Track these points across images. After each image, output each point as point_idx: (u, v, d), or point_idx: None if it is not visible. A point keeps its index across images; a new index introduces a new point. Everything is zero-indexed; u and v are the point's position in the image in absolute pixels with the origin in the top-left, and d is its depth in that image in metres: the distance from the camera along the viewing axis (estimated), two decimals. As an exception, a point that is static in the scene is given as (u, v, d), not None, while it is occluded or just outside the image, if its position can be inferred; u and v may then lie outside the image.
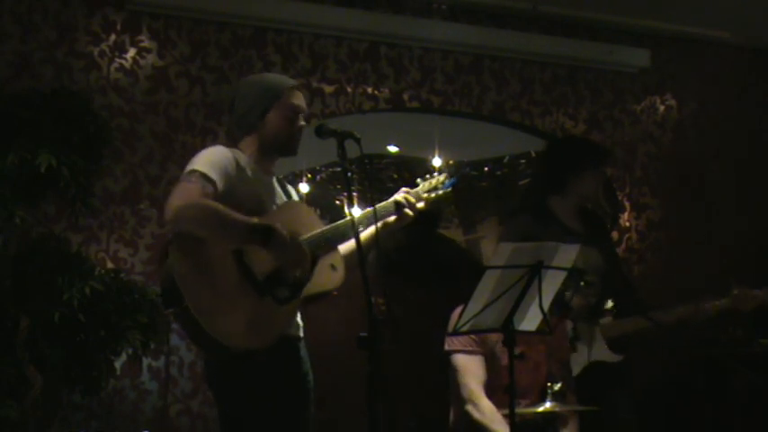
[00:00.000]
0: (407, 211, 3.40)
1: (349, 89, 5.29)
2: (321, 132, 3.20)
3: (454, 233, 7.99)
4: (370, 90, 5.34)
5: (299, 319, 3.33)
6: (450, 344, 3.89)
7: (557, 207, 4.29)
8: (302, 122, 3.35)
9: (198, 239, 3.06)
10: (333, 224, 3.33)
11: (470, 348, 3.84)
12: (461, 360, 3.85)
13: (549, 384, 3.52)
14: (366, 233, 3.36)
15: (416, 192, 3.46)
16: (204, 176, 3.10)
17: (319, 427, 5.16)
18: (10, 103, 4.20)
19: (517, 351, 3.42)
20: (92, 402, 4.47)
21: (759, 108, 6.35)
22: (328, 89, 5.24)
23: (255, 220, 3.07)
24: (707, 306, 4.24)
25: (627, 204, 5.98)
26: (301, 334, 3.34)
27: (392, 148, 7.70)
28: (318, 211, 8.12)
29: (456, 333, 3.43)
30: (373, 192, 7.39)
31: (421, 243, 5.58)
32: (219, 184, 3.12)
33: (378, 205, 3.34)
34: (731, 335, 5.52)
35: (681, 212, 6.10)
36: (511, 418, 3.33)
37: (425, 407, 4.90)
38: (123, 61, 4.79)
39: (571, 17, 5.75)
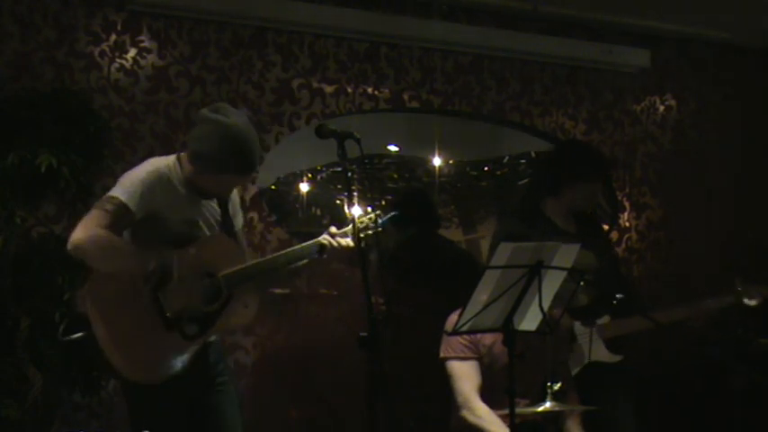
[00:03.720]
0: (332, 252, 3.38)
1: (349, 89, 5.29)
2: (321, 132, 3.21)
3: (454, 233, 7.98)
4: (370, 90, 5.34)
5: None
6: (444, 351, 3.92)
7: (549, 208, 4.30)
8: (231, 193, 3.40)
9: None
10: (254, 261, 3.40)
11: (463, 354, 3.88)
12: (455, 367, 3.89)
13: (548, 384, 3.53)
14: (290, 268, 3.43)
15: (345, 231, 3.44)
16: (120, 205, 3.15)
17: (320, 427, 5.16)
18: (10, 103, 4.20)
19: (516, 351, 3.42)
20: (92, 402, 4.47)
21: (759, 108, 6.35)
22: (328, 89, 5.24)
23: (152, 263, 3.11)
24: (708, 305, 4.24)
25: (627, 204, 5.99)
26: (212, 338, 3.37)
27: (392, 148, 7.70)
28: (318, 211, 8.13)
29: (455, 333, 3.43)
30: (373, 192, 7.40)
31: (422, 243, 5.57)
32: (138, 211, 3.17)
33: (303, 245, 3.38)
34: (731, 334, 5.51)
35: (681, 212, 6.11)
36: (511, 419, 3.34)
37: (425, 407, 4.90)
38: (123, 61, 4.79)
39: (571, 17, 5.75)
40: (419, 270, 5.41)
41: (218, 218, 3.40)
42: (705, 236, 6.10)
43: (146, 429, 3.18)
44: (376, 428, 2.82)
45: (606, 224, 5.89)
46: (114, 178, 4.65)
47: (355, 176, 6.69)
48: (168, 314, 3.15)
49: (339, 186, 7.94)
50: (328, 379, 5.06)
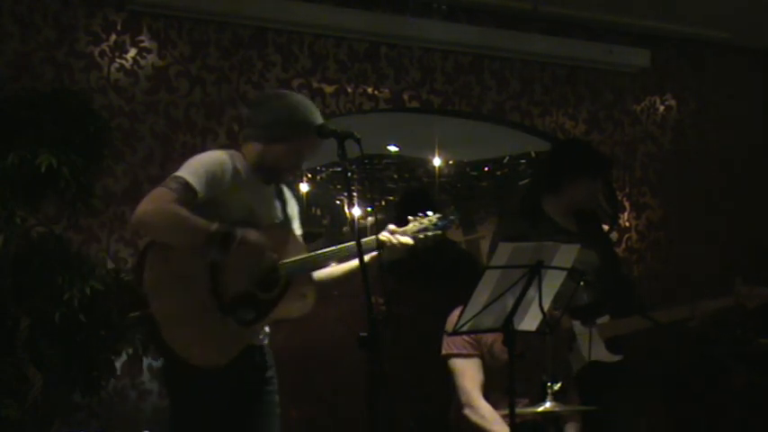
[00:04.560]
0: (390, 250, 3.36)
1: (349, 89, 5.29)
2: (321, 132, 3.21)
3: (454, 234, 7.98)
4: (370, 90, 5.34)
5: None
6: (446, 348, 3.91)
7: (550, 207, 4.30)
8: (303, 165, 3.39)
9: (174, 248, 3.12)
10: (313, 253, 3.36)
11: (466, 352, 3.87)
12: (458, 364, 3.88)
13: (548, 384, 3.52)
14: (344, 266, 3.42)
15: (404, 230, 3.43)
16: (186, 185, 3.14)
17: (319, 427, 5.16)
18: (10, 103, 4.19)
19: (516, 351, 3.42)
20: (92, 402, 4.47)
21: (759, 108, 6.35)
22: (328, 89, 5.24)
23: (215, 226, 3.09)
24: (706, 304, 4.23)
25: (627, 204, 5.99)
26: (265, 341, 3.38)
27: (392, 148, 7.70)
28: (318, 211, 8.14)
29: (455, 333, 3.43)
30: (373, 192, 7.40)
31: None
32: (202, 193, 3.15)
33: (363, 240, 3.31)
34: (731, 334, 5.52)
35: (681, 212, 6.11)
36: (511, 419, 3.34)
37: (425, 407, 4.90)
38: (123, 61, 4.79)
39: (571, 17, 5.75)
40: (419, 270, 5.41)
41: (280, 216, 3.40)
42: (705, 236, 6.10)
43: (186, 416, 3.18)
44: (376, 428, 2.83)
45: (606, 224, 5.89)
46: (114, 178, 4.71)
47: (355, 176, 6.70)
48: (227, 298, 3.14)
49: (339, 186, 7.95)
50: (328, 379, 5.06)
